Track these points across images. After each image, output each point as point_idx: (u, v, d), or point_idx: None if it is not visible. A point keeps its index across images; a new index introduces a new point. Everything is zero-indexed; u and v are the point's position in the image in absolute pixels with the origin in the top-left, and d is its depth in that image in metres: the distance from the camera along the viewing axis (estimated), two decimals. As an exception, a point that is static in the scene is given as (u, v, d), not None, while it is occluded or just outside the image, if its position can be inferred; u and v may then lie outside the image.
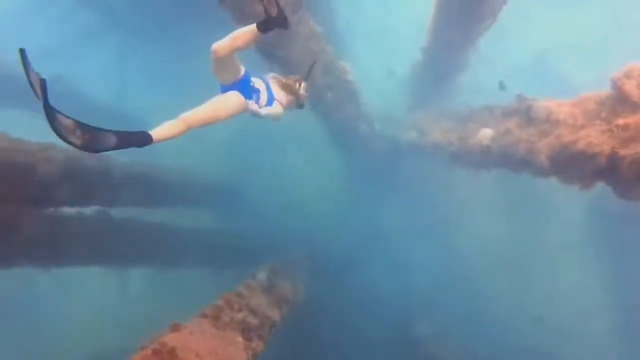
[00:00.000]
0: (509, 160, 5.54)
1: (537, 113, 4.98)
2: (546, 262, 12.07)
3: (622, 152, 3.55)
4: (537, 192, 11.92)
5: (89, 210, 6.66)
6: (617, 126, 3.69)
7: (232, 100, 3.83)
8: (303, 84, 4.51)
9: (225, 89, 3.88)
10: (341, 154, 11.96)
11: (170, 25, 12.98)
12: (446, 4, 6.43)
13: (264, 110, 4.13)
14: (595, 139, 3.84)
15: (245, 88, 3.99)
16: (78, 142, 2.63)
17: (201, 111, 3.56)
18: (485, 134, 5.78)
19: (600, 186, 4.36)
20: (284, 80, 4.44)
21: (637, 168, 3.49)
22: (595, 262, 11.83)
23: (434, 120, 8.59)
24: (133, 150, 3.08)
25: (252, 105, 4.00)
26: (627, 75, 3.79)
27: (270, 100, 4.24)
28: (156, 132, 3.17)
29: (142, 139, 3.05)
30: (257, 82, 4.16)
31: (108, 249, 7.07)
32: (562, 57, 13.56)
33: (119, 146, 2.89)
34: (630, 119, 3.57)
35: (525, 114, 5.24)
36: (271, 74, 4.51)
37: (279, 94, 4.38)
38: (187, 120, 3.36)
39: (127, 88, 15.69)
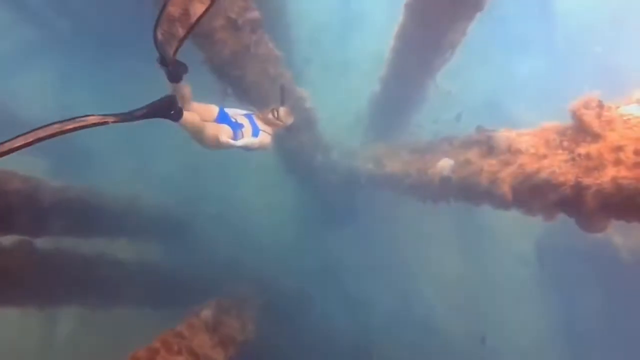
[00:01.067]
0: (470, 191, 5.45)
1: (497, 143, 4.94)
2: (498, 295, 12.20)
3: (586, 181, 3.48)
4: (490, 227, 12.20)
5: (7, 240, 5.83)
6: (580, 155, 3.64)
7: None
8: (281, 110, 4.81)
9: None
10: (295, 185, 11.67)
11: (118, 43, 12.44)
12: (404, 36, 6.45)
13: (250, 140, 4.29)
14: (558, 168, 3.78)
15: (225, 122, 4.11)
16: None
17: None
18: (445, 164, 5.68)
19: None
20: (261, 116, 4.72)
21: (601, 198, 3.42)
22: (544, 295, 12.10)
23: (392, 152, 8.52)
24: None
25: (240, 136, 4.18)
26: (586, 106, 3.79)
27: (255, 132, 4.42)
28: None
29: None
30: (238, 118, 4.36)
31: (30, 285, 6.19)
32: (512, 98, 14.23)
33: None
34: (592, 148, 3.54)
35: (486, 144, 5.19)
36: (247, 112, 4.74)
37: (263, 126, 4.60)
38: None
39: (67, 110, 14.69)
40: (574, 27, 15.34)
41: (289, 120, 4.93)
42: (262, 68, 5.89)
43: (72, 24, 13.73)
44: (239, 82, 5.80)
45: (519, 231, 11.96)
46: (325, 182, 10.12)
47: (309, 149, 8.96)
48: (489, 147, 5.14)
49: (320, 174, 9.83)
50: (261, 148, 4.53)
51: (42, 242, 6.34)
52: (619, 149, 3.29)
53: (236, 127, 4.22)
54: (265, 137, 4.51)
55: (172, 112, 3.42)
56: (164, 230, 10.93)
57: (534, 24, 14.86)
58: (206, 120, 3.92)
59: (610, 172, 3.25)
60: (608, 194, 3.28)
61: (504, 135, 4.92)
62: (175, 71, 3.40)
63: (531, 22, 14.70)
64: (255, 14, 5.20)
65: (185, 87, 3.68)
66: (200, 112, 3.89)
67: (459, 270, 12.46)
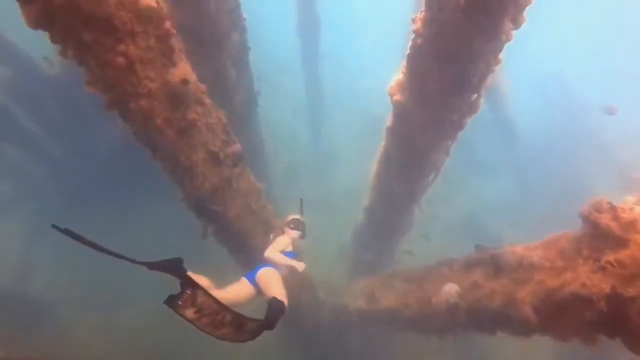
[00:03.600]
0: (482, 318, 4.86)
1: (504, 260, 4.57)
2: None
3: (627, 292, 3.06)
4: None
5: None
6: (609, 263, 3.28)
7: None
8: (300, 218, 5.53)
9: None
10: (281, 329, 10.54)
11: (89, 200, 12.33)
12: (388, 160, 6.50)
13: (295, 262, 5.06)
14: (587, 279, 3.37)
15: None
16: None
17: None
18: (451, 290, 5.17)
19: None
20: (290, 220, 5.47)
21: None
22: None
23: (384, 284, 7.97)
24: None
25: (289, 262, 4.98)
26: (597, 209, 3.57)
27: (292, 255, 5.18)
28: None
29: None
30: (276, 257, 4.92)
31: None
32: (489, 217, 14.45)
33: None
34: (623, 254, 3.20)
35: (491, 264, 4.80)
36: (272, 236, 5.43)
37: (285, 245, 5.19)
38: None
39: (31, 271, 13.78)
40: (535, 148, 16.65)
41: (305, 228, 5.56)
42: (245, 202, 5.63)
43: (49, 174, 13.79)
44: (220, 218, 5.45)
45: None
46: (314, 323, 9.18)
47: (293, 289, 8.25)
48: (495, 266, 4.74)
49: (308, 315, 8.95)
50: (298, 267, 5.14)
51: None
52: (655, 250, 2.98)
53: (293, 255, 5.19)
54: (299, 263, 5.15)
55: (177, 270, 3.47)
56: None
57: (500, 147, 15.95)
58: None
59: (654, 278, 2.88)
60: (658, 304, 2.85)
61: (509, 251, 4.58)
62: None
63: (497, 147, 15.77)
64: (237, 147, 5.13)
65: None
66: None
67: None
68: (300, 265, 5.04)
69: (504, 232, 14.01)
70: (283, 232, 5.41)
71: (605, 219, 3.47)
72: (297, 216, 5.54)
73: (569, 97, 19.01)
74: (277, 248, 5.02)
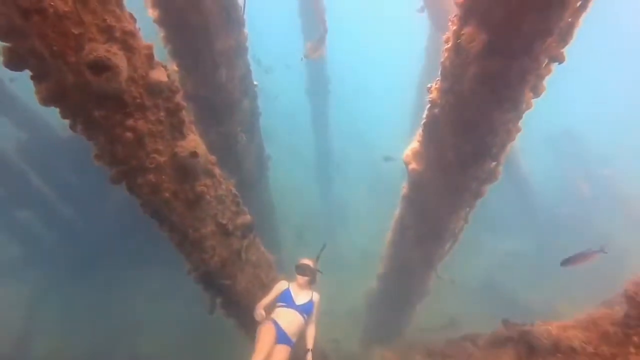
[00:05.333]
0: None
1: (538, 340, 4.15)
2: None
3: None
4: None
5: None
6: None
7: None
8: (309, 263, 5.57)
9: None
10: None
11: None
12: (403, 229, 6.23)
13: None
14: (642, 373, 2.99)
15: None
16: None
17: None
18: (479, 372, 4.70)
19: None
20: (299, 264, 5.48)
21: None
22: None
23: (401, 354, 7.41)
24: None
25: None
26: (644, 289, 3.24)
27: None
28: None
29: None
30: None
31: None
32: (505, 276, 14.10)
33: None
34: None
35: (523, 343, 4.37)
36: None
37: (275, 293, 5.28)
38: None
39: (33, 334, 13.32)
40: (551, 205, 16.30)
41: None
42: (254, 274, 5.34)
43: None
44: (228, 291, 5.15)
45: None
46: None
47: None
48: (528, 347, 4.31)
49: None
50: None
51: None
52: None
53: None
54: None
55: None
56: None
57: (515, 205, 15.62)
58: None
59: None
60: None
61: (543, 330, 4.17)
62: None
63: (512, 205, 15.44)
64: (247, 218, 4.93)
65: None
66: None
67: None
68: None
69: (521, 292, 13.58)
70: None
71: (654, 301, 3.13)
72: (307, 261, 5.55)
73: (582, 152, 18.89)
74: (265, 301, 5.15)
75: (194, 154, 3.86)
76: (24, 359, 12.34)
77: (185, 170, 3.92)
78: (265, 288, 5.48)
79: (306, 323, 5.24)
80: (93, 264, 13.02)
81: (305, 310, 5.23)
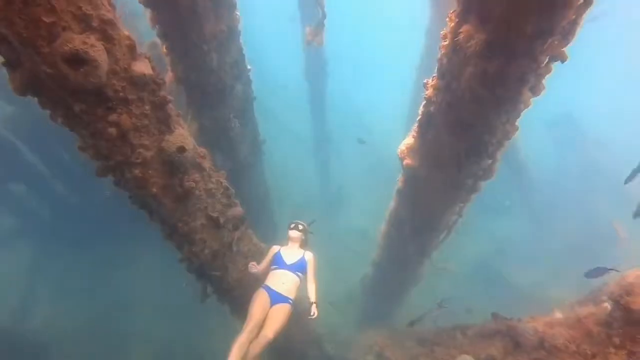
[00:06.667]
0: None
1: (524, 337, 4.18)
2: None
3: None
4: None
5: None
6: (646, 357, 2.92)
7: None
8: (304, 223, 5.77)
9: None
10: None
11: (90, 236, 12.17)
12: (398, 222, 6.20)
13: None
14: (621, 374, 3.01)
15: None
16: None
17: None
18: (466, 362, 4.75)
19: None
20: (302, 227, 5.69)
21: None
22: None
23: (395, 342, 7.51)
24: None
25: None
26: (628, 292, 3.23)
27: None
28: None
29: None
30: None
31: None
32: (500, 260, 14.20)
33: None
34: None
35: (509, 337, 4.41)
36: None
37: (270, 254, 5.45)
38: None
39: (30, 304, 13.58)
40: (548, 188, 16.30)
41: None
42: (246, 265, 5.33)
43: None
44: (220, 282, 5.16)
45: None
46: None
47: (299, 345, 7.84)
48: (514, 342, 4.34)
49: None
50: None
51: None
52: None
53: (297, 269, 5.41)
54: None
55: None
56: None
57: (512, 188, 15.61)
58: None
59: None
60: None
61: (530, 327, 4.20)
62: None
63: (509, 188, 15.42)
64: (238, 211, 4.89)
65: None
66: None
67: None
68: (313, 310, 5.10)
69: (516, 273, 13.75)
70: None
71: (639, 304, 3.12)
72: (301, 221, 5.78)
73: (580, 136, 18.76)
74: (260, 267, 5.26)
75: (182, 149, 3.77)
76: (22, 328, 12.59)
77: (173, 165, 3.84)
78: (256, 278, 5.48)
79: (302, 280, 5.33)
80: (90, 238, 13.08)
81: (297, 268, 5.31)
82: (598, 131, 19.52)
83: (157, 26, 5.44)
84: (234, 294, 5.52)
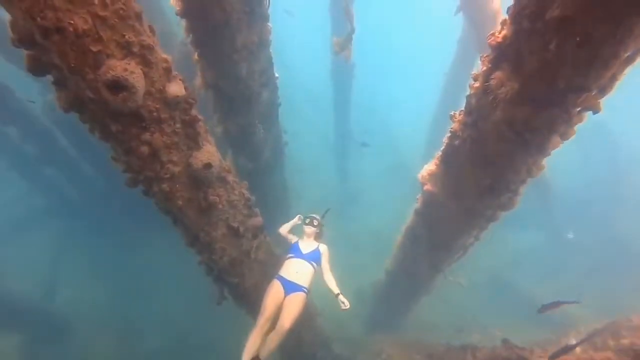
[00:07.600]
0: None
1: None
2: None
3: None
4: None
5: None
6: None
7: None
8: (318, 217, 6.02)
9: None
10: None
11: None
12: (414, 238, 6.24)
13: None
14: None
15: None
16: None
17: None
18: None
19: None
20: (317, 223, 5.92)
21: None
22: None
23: (402, 350, 7.60)
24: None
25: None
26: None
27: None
28: None
29: None
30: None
31: None
32: (515, 272, 14.09)
33: None
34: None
35: (519, 368, 4.44)
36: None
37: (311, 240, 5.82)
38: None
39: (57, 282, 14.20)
40: (573, 204, 15.89)
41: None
42: (262, 271, 5.48)
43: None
44: (236, 288, 5.32)
45: None
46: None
47: (307, 345, 7.99)
48: (523, 373, 4.37)
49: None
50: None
51: None
52: None
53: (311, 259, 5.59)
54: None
55: None
56: None
57: (533, 201, 15.31)
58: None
59: None
60: None
61: (541, 361, 4.22)
62: None
63: (530, 200, 15.15)
64: (258, 220, 5.01)
65: None
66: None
67: None
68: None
69: (532, 288, 13.52)
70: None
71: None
72: (316, 215, 6.03)
73: (612, 147, 18.04)
74: (285, 227, 5.93)
75: (208, 165, 3.90)
76: (49, 304, 13.19)
77: (199, 180, 3.98)
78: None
79: (316, 271, 5.51)
80: (114, 221, 13.54)
81: (312, 258, 5.51)
82: (634, 145, 18.73)
83: (190, 35, 5.56)
84: (250, 299, 5.68)
